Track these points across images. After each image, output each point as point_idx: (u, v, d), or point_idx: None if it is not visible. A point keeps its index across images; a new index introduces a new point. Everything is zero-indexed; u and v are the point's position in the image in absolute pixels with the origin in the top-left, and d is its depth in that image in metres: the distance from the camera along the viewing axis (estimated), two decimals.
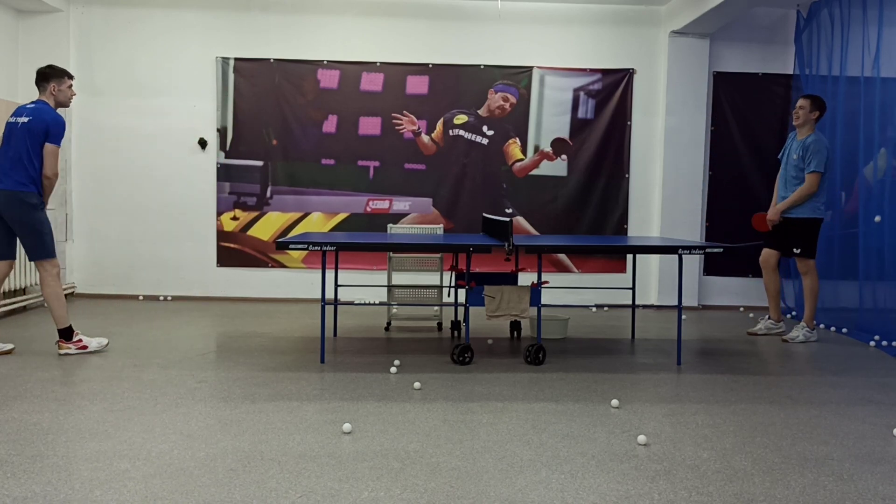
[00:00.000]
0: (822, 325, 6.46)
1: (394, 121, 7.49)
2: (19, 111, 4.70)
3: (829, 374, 4.67)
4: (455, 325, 5.77)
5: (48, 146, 4.60)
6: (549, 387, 4.19)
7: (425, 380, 4.28)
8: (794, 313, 7.05)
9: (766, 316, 6.13)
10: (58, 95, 4.77)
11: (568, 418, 3.58)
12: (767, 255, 5.97)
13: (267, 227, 7.49)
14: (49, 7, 7.07)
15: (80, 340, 4.81)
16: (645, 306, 7.54)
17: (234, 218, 7.48)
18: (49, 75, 4.74)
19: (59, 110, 4.90)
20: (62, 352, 4.78)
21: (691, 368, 4.76)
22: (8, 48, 7.02)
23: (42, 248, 4.69)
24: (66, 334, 4.78)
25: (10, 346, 4.86)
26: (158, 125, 7.41)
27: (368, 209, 7.52)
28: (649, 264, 7.65)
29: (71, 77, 4.86)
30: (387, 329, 6.00)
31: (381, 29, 7.48)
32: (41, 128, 4.59)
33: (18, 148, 4.59)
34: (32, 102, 4.74)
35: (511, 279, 5.21)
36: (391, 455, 3.02)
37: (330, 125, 7.46)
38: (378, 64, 7.46)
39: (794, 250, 5.73)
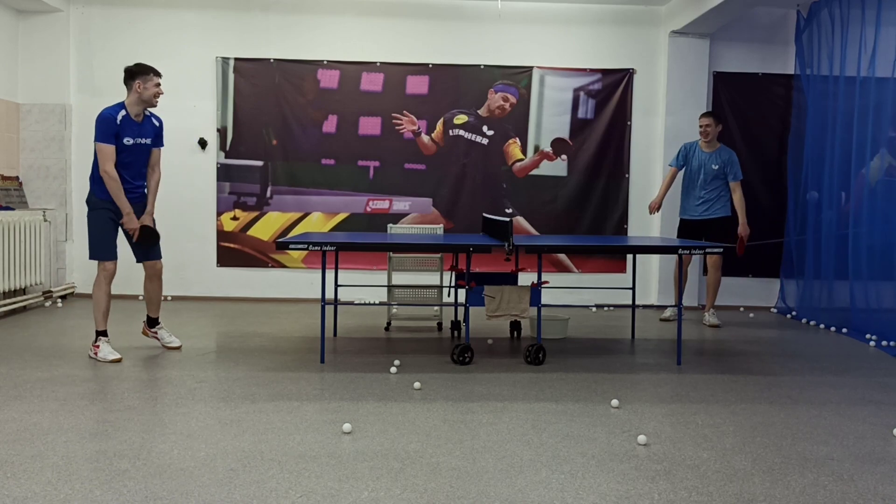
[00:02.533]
0: (821, 326, 6.46)
1: (394, 121, 7.49)
2: None
3: (829, 374, 4.67)
4: (455, 325, 5.77)
5: (95, 145, 4.65)
6: (549, 387, 4.19)
7: (425, 380, 4.28)
8: (794, 313, 7.05)
9: (712, 311, 6.58)
10: (143, 93, 4.72)
11: (568, 418, 3.58)
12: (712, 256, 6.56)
13: (267, 227, 7.49)
14: (49, 7, 7.07)
15: (98, 346, 4.74)
16: (645, 306, 7.54)
17: (234, 218, 7.48)
18: (133, 73, 4.73)
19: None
20: (89, 353, 4.80)
21: (691, 368, 4.76)
22: (8, 48, 7.02)
23: (91, 249, 4.75)
24: (97, 337, 4.77)
25: (178, 344, 5.10)
26: None
27: (368, 209, 7.52)
28: (649, 264, 7.65)
29: (158, 74, 4.79)
30: (387, 329, 6.00)
31: (381, 29, 7.48)
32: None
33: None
34: None
35: (511, 279, 5.21)
36: (391, 455, 3.02)
37: (330, 125, 7.46)
38: (378, 64, 7.46)
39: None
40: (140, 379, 4.22)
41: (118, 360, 4.68)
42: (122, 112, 4.68)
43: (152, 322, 5.13)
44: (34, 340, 5.28)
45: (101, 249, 4.72)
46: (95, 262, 4.77)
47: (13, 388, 3.96)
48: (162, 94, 4.84)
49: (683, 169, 6.61)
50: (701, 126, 6.44)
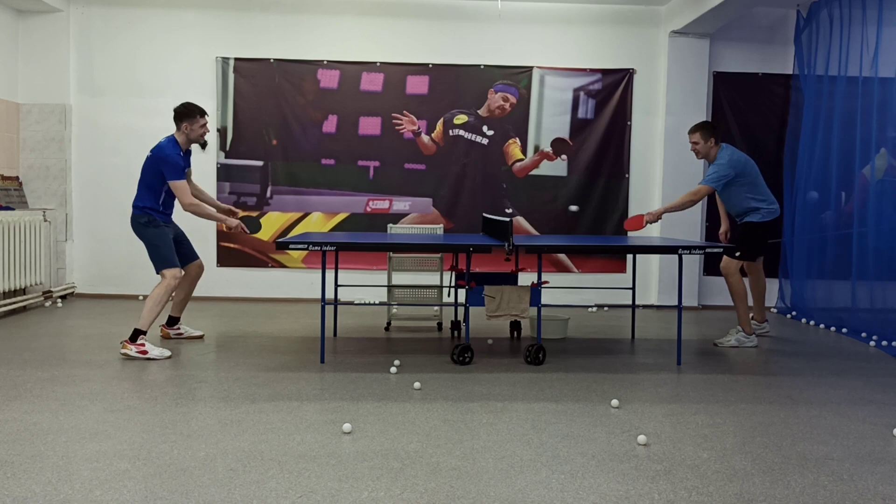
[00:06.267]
0: (821, 326, 6.46)
1: (394, 121, 7.49)
2: (155, 146, 5.05)
3: (829, 374, 4.67)
4: (455, 325, 5.77)
5: (170, 183, 4.93)
6: (549, 387, 4.19)
7: (425, 380, 4.28)
8: (794, 313, 7.05)
9: (751, 316, 5.95)
10: (190, 134, 5.03)
11: (568, 418, 3.58)
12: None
13: (267, 227, 7.49)
14: (49, 7, 7.07)
15: (143, 345, 4.77)
16: (645, 306, 7.54)
17: None
18: (181, 115, 5.02)
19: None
20: (123, 351, 4.79)
21: (691, 368, 4.76)
22: (8, 48, 7.02)
23: (157, 260, 4.95)
24: (134, 336, 4.80)
25: (200, 333, 5.48)
26: (159, 125, 7.36)
27: (368, 209, 7.52)
28: (649, 264, 7.65)
29: (203, 115, 5.05)
30: (387, 329, 6.00)
31: (381, 29, 7.48)
32: (155, 166, 4.94)
33: (143, 178, 5.00)
34: (166, 137, 5.08)
35: (511, 279, 5.21)
36: (391, 455, 3.02)
37: (330, 125, 7.46)
38: (378, 64, 7.46)
39: (736, 253, 5.52)
40: (140, 379, 4.22)
41: (170, 356, 4.83)
42: (179, 150, 5.01)
43: (172, 321, 5.39)
44: (34, 340, 5.28)
45: (172, 259, 4.97)
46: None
47: (13, 388, 3.96)
48: (208, 132, 5.15)
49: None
50: (691, 143, 5.67)
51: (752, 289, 5.95)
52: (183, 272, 5.06)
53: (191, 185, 5.19)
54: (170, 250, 4.98)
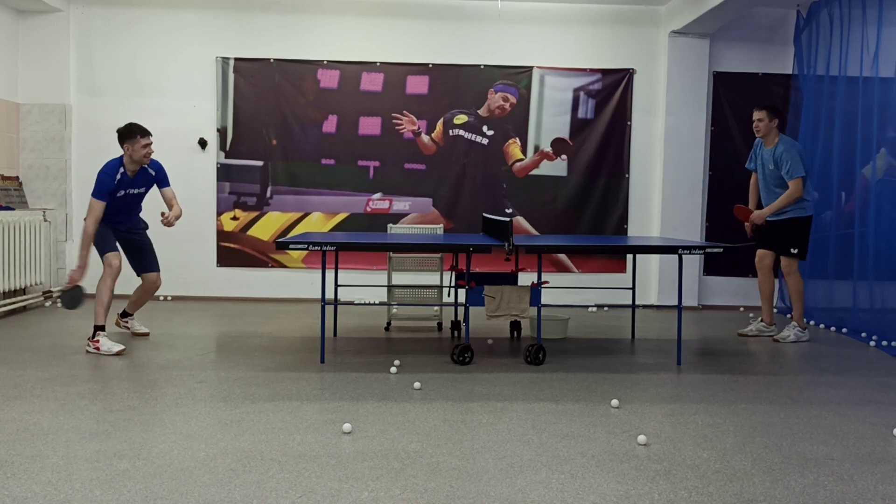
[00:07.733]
0: (821, 326, 6.46)
1: (394, 121, 7.49)
2: None
3: (829, 374, 4.67)
4: (455, 325, 5.77)
5: (91, 197, 4.94)
6: (549, 387, 4.19)
7: (425, 380, 4.28)
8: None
9: (759, 318, 6.07)
10: (133, 155, 5.00)
11: (568, 418, 3.58)
12: (762, 256, 5.87)
13: (267, 227, 7.49)
14: (49, 7, 7.07)
15: (98, 341, 4.87)
16: (645, 306, 7.54)
17: (234, 218, 7.48)
18: (123, 135, 5.00)
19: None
20: (86, 348, 4.93)
21: (691, 368, 4.76)
22: (8, 48, 7.02)
23: (96, 248, 5.03)
24: (94, 332, 4.92)
25: (146, 330, 5.50)
26: (158, 125, 7.34)
27: (368, 209, 7.52)
28: (649, 264, 7.65)
29: (145, 135, 5.00)
30: (387, 329, 6.00)
31: (381, 29, 7.48)
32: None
33: None
34: (115, 157, 5.10)
35: (511, 279, 5.21)
36: (391, 455, 3.02)
37: (330, 125, 7.46)
38: (378, 64, 7.46)
39: (792, 250, 5.64)
40: (140, 379, 4.22)
41: (122, 352, 4.85)
42: (121, 171, 4.98)
43: (126, 314, 5.54)
44: (34, 340, 5.28)
45: (108, 245, 5.00)
46: (98, 264, 5.08)
47: (13, 388, 3.96)
48: (152, 152, 5.07)
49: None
50: (755, 119, 5.71)
51: (762, 287, 5.96)
52: (121, 256, 5.09)
53: (169, 199, 5.22)
54: (104, 239, 5.00)
